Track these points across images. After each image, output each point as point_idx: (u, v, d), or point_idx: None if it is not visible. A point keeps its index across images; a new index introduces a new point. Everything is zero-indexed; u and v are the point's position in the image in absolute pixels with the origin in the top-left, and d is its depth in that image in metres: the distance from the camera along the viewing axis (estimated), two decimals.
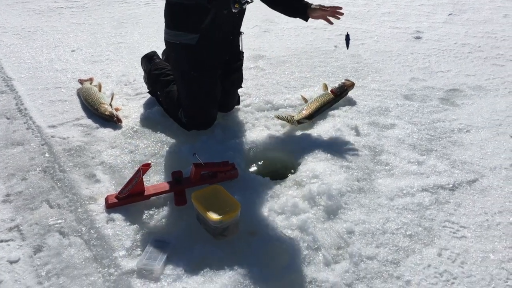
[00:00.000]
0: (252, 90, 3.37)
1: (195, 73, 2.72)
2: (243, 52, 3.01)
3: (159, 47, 3.77)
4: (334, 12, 2.81)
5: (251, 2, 2.50)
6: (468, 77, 3.50)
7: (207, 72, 2.74)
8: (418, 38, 4.18)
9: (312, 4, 2.86)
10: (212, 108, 2.84)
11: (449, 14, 4.65)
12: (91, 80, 3.42)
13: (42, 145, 2.72)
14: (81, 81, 3.41)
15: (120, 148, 2.71)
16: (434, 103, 3.17)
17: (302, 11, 2.86)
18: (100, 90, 3.23)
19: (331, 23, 2.87)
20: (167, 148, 2.71)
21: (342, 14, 2.85)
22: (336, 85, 3.21)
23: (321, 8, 2.82)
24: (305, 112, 2.99)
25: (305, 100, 3.15)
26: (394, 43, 4.09)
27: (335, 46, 4.06)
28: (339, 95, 3.15)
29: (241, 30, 2.91)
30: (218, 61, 2.80)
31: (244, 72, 3.05)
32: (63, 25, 4.47)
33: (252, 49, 4.00)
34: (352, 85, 3.24)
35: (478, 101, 3.19)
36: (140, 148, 2.71)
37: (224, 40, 2.77)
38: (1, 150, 2.68)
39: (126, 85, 3.45)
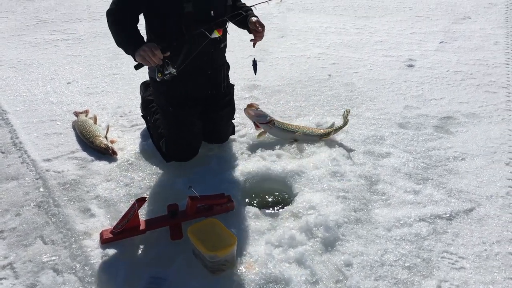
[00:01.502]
0: (246, 120, 3.37)
1: (171, 108, 2.75)
2: (233, 85, 3.02)
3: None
4: (255, 34, 2.77)
5: (175, 74, 2.46)
6: (462, 105, 3.53)
7: (183, 107, 2.75)
8: (410, 66, 4.23)
9: (249, 17, 2.76)
10: (190, 142, 2.84)
11: (441, 42, 4.72)
12: (86, 112, 3.43)
13: (37, 179, 2.71)
14: (76, 114, 3.42)
15: (115, 181, 2.69)
16: (428, 131, 3.18)
17: (245, 26, 2.82)
18: (95, 123, 3.23)
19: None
20: (163, 181, 2.70)
21: (257, 38, 2.78)
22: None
23: (254, 23, 2.74)
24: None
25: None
26: (387, 71, 4.14)
27: (329, 75, 4.10)
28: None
29: (226, 62, 2.94)
30: (196, 96, 2.81)
31: (239, 102, 3.07)
32: (59, 57, 4.50)
33: (247, 79, 4.03)
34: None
35: (472, 128, 3.21)
36: (136, 181, 2.70)
37: (201, 75, 2.77)
38: None
39: (121, 116, 3.45)
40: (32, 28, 5.29)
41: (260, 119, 2.99)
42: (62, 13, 5.77)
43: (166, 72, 2.43)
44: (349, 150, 2.98)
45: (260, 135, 3.03)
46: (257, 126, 3.04)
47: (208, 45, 2.62)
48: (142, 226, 2.25)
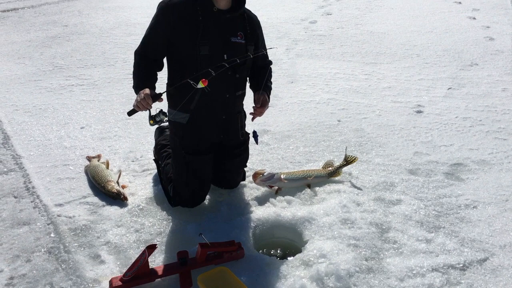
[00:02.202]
0: (258, 165, 3.41)
1: (184, 152, 2.79)
2: (248, 134, 3.06)
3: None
4: (255, 110, 2.83)
5: (166, 122, 2.56)
6: (472, 151, 3.53)
7: (196, 153, 2.79)
8: (419, 112, 4.26)
9: (260, 91, 2.83)
10: (197, 190, 2.86)
11: (449, 88, 4.76)
12: (99, 157, 3.48)
13: (48, 224, 2.73)
14: (89, 158, 3.47)
15: (125, 227, 2.70)
16: (439, 178, 3.18)
17: (254, 91, 2.91)
18: (107, 167, 3.27)
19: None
20: (173, 227, 2.70)
21: (256, 113, 2.85)
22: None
23: (256, 100, 2.82)
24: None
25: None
26: (396, 117, 4.17)
27: (339, 121, 4.14)
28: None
29: (243, 110, 2.99)
30: (209, 142, 2.85)
31: (249, 147, 3.10)
32: (74, 102, 4.60)
33: (257, 124, 4.06)
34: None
35: (483, 175, 3.20)
36: (146, 226, 2.71)
37: (214, 120, 2.81)
38: (7, 230, 2.68)
39: (133, 161, 3.49)
40: (48, 73, 5.43)
41: (271, 181, 3.03)
42: (77, 59, 5.93)
43: (158, 119, 2.53)
44: (360, 197, 2.97)
45: (277, 192, 3.05)
46: (271, 187, 3.07)
47: (222, 90, 2.71)
48: (151, 274, 2.24)
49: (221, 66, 2.53)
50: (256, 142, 2.98)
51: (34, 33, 7.24)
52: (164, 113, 2.53)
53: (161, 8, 2.62)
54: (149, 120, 2.54)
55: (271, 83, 3.01)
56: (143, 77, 2.61)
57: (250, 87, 2.98)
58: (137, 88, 2.54)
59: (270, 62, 3.04)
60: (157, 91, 2.54)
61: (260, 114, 2.84)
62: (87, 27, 7.54)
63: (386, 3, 8.65)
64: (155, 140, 3.42)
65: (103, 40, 6.74)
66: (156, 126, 2.53)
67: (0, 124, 4.11)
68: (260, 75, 2.91)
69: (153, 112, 2.55)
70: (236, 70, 2.70)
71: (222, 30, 2.65)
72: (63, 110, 4.43)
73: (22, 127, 4.06)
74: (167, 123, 2.82)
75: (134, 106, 2.48)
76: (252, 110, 2.83)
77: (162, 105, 2.59)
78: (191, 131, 2.78)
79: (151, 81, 2.61)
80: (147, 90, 2.43)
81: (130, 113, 2.57)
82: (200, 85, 2.39)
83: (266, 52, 2.97)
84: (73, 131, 4.00)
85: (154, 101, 2.42)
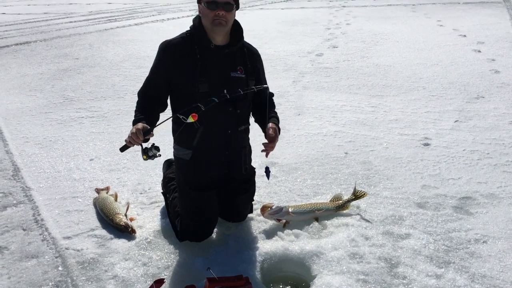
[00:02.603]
0: (265, 198, 3.41)
1: (188, 188, 2.80)
2: (254, 168, 3.07)
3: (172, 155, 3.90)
4: (265, 146, 2.79)
5: (159, 156, 2.54)
6: (480, 185, 3.52)
7: (200, 189, 2.80)
8: (426, 144, 4.27)
9: (269, 124, 2.80)
10: (203, 226, 2.86)
11: (455, 121, 4.78)
12: (107, 189, 3.50)
13: (56, 257, 2.73)
14: (97, 190, 3.49)
15: (133, 261, 2.70)
16: (448, 212, 3.16)
17: (261, 126, 2.90)
18: (116, 200, 3.29)
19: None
20: (181, 261, 2.69)
21: (266, 151, 2.80)
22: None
23: (267, 133, 2.78)
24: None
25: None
26: (403, 150, 4.18)
27: (346, 153, 4.15)
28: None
29: (248, 145, 3.01)
30: (213, 178, 2.86)
31: (256, 179, 3.11)
32: (83, 134, 4.66)
33: (263, 156, 4.09)
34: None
35: (492, 209, 3.18)
36: (154, 260, 2.70)
37: (219, 157, 2.83)
38: (15, 263, 2.68)
39: (141, 193, 3.51)
40: (58, 106, 5.52)
41: (279, 215, 3.03)
42: (88, 92, 6.03)
43: (150, 154, 2.52)
44: (368, 230, 2.96)
45: (285, 225, 3.05)
46: (278, 220, 3.07)
47: (224, 126, 2.74)
48: None
49: (218, 100, 2.52)
50: (268, 178, 2.97)
51: (45, 66, 7.39)
52: (156, 148, 2.52)
53: (162, 48, 2.71)
54: (142, 154, 2.53)
55: (275, 112, 2.98)
56: (140, 112, 2.64)
57: (256, 121, 2.99)
58: (133, 124, 2.57)
59: (272, 94, 3.03)
60: (161, 128, 2.56)
61: (272, 148, 2.79)
62: (97, 60, 7.69)
63: (392, 36, 8.77)
64: (163, 173, 3.44)
65: (113, 73, 6.86)
66: (150, 160, 2.52)
67: (10, 156, 4.16)
68: (263, 108, 2.90)
69: (147, 145, 2.54)
70: (236, 105, 2.73)
71: (221, 65, 2.69)
72: (73, 142, 4.48)
73: (32, 159, 4.11)
74: (174, 158, 2.85)
75: (125, 141, 2.50)
76: (263, 146, 2.79)
77: (163, 141, 2.59)
78: (194, 168, 2.81)
79: (149, 118, 2.61)
80: (139, 125, 2.45)
81: (123, 148, 2.58)
82: (190, 119, 2.42)
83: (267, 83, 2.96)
84: (82, 163, 4.04)
85: (145, 136, 2.43)
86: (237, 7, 2.67)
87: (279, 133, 2.86)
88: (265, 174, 2.92)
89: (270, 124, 2.79)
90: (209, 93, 2.60)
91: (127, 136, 2.48)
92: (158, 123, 2.60)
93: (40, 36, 9.60)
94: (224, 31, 2.66)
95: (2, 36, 9.68)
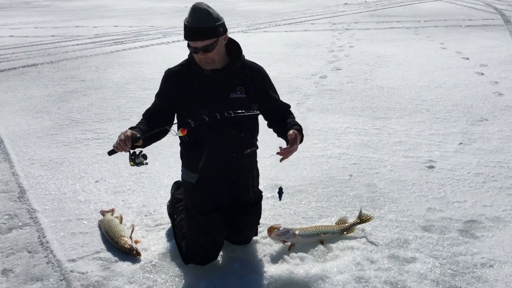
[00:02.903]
0: (270, 220, 3.41)
1: (195, 212, 2.82)
2: (261, 192, 3.07)
3: (179, 177, 3.91)
4: (283, 151, 2.63)
5: (146, 164, 2.57)
6: (485, 208, 3.51)
7: (206, 212, 2.80)
8: (431, 167, 4.27)
9: (290, 130, 2.67)
10: (210, 248, 2.86)
11: (460, 144, 4.79)
12: (112, 211, 3.51)
13: (61, 280, 2.73)
14: (102, 213, 3.50)
15: (138, 284, 2.70)
16: (453, 235, 3.15)
17: (284, 137, 2.78)
18: (121, 222, 3.30)
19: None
20: (186, 284, 2.69)
21: (282, 155, 2.64)
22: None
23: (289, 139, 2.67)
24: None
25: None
26: (408, 172, 4.18)
27: (350, 175, 4.16)
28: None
29: (255, 168, 3.01)
30: (219, 201, 2.86)
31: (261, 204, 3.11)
32: (89, 156, 4.69)
33: (269, 178, 4.11)
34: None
35: (498, 233, 3.17)
36: (158, 283, 2.70)
37: (225, 180, 2.84)
38: (20, 286, 2.69)
39: (146, 216, 3.52)
40: (65, 127, 5.57)
41: (285, 237, 3.03)
42: (93, 113, 6.08)
43: (137, 161, 2.54)
44: (373, 254, 2.95)
45: (290, 248, 3.04)
46: (284, 242, 3.07)
47: (228, 150, 2.75)
48: None
49: (208, 119, 2.56)
50: (280, 199, 2.99)
51: (52, 88, 7.47)
52: (144, 156, 2.54)
53: (164, 77, 2.80)
54: (129, 161, 2.56)
55: (296, 122, 2.86)
56: (137, 124, 2.70)
57: (279, 135, 2.89)
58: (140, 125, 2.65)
59: (289, 106, 3.01)
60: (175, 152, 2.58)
61: (288, 153, 2.62)
62: (103, 82, 7.77)
63: (395, 59, 8.84)
64: (171, 194, 3.46)
65: (119, 95, 6.93)
66: (137, 167, 2.54)
67: (16, 178, 4.19)
68: (283, 120, 2.87)
69: (135, 151, 2.56)
70: (240, 129, 2.73)
71: (220, 88, 2.71)
72: (79, 163, 4.51)
73: (38, 181, 4.13)
74: (182, 181, 2.86)
75: (113, 146, 2.52)
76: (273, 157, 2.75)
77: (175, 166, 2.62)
78: (200, 191, 2.83)
79: (141, 128, 2.63)
80: (128, 132, 2.47)
81: (110, 153, 2.59)
82: (179, 133, 2.50)
83: (278, 97, 2.96)
84: (87, 185, 4.06)
85: (133, 143, 2.45)
86: (223, 33, 2.63)
87: (301, 141, 2.75)
88: (277, 194, 2.94)
89: (291, 131, 2.65)
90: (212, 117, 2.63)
91: (115, 141, 2.49)
92: (147, 134, 2.58)
93: (47, 59, 9.72)
94: (215, 65, 2.67)
95: (9, 58, 9.81)
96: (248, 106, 2.73)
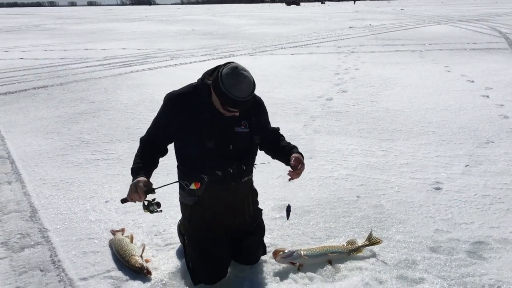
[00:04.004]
0: (278, 240, 3.44)
1: (193, 230, 2.91)
2: (261, 210, 3.14)
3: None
4: (291, 173, 2.82)
5: (160, 212, 2.64)
6: (493, 229, 3.53)
7: (205, 230, 2.87)
8: (438, 189, 4.31)
9: (292, 154, 2.87)
10: (213, 267, 2.88)
11: (466, 166, 4.83)
12: (123, 230, 3.55)
13: None
14: (113, 232, 3.54)
15: None
16: (461, 256, 3.17)
17: (286, 162, 2.92)
18: (131, 241, 3.34)
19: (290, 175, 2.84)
20: None
21: (293, 175, 2.82)
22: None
23: (292, 159, 2.83)
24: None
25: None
26: (415, 194, 4.21)
27: (358, 197, 4.19)
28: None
29: (253, 190, 3.09)
30: (217, 222, 2.92)
31: (269, 222, 3.17)
32: (99, 176, 4.75)
33: (277, 199, 4.15)
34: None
35: (505, 255, 3.19)
36: None
37: (223, 205, 2.90)
38: None
39: (156, 235, 3.56)
40: (75, 148, 5.66)
41: (291, 258, 3.07)
42: (103, 134, 6.18)
43: (151, 209, 2.61)
44: (382, 274, 2.97)
45: (299, 268, 3.07)
46: (293, 264, 3.10)
47: (229, 177, 2.78)
48: None
49: (221, 175, 2.68)
50: (287, 217, 3.03)
51: (62, 109, 7.60)
52: (157, 204, 2.60)
53: (167, 99, 2.77)
54: (144, 209, 2.63)
55: (292, 145, 3.02)
56: (140, 159, 2.75)
57: (275, 158, 3.05)
58: (134, 173, 2.65)
59: (278, 128, 3.13)
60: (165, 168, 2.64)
61: (298, 175, 2.79)
62: (112, 103, 7.90)
63: (400, 82, 8.93)
64: (182, 213, 3.49)
65: (128, 116, 7.04)
66: (150, 213, 2.64)
67: (28, 198, 4.25)
68: (279, 143, 3.01)
69: (149, 200, 2.61)
70: (242, 161, 2.80)
71: (226, 122, 2.74)
72: (89, 184, 4.58)
73: (49, 201, 4.19)
74: (180, 203, 2.94)
75: (127, 196, 2.59)
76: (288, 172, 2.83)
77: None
78: (197, 212, 2.90)
79: (149, 169, 2.72)
80: (141, 183, 2.52)
81: (123, 201, 2.66)
82: (193, 186, 2.59)
83: (270, 125, 3.07)
84: (98, 205, 4.11)
85: (146, 195, 2.53)
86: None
87: (303, 158, 2.87)
88: (285, 212, 2.99)
89: (294, 154, 2.82)
90: (215, 149, 2.70)
91: (128, 188, 2.55)
92: (161, 185, 2.65)
93: (57, 80, 9.89)
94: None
95: (20, 80, 9.99)
96: (250, 140, 2.83)
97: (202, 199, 2.84)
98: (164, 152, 2.87)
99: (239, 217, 2.99)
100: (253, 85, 2.55)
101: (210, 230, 2.88)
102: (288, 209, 3.00)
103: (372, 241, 3.28)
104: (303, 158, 2.89)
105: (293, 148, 2.96)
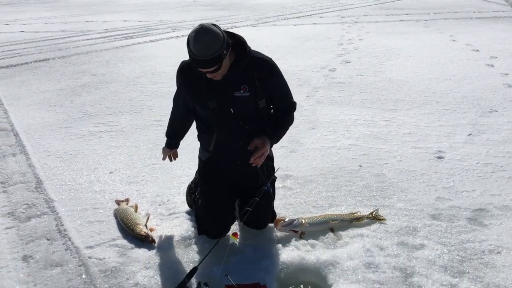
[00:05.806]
0: (281, 209, 3.48)
1: (201, 181, 3.10)
2: (274, 178, 3.13)
3: (191, 168, 4.00)
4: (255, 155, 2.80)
5: None
6: (494, 197, 3.55)
7: (213, 186, 3.03)
8: (440, 158, 4.31)
9: (271, 136, 2.90)
10: (216, 218, 3.00)
11: (469, 135, 4.82)
12: (127, 200, 3.60)
13: (80, 266, 2.82)
14: (118, 202, 3.59)
15: (154, 269, 2.79)
16: (462, 223, 3.20)
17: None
18: (136, 211, 3.39)
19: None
20: (199, 269, 2.76)
21: (256, 160, 2.80)
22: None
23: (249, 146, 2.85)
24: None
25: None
26: (417, 163, 4.22)
27: (360, 166, 4.21)
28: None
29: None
30: (226, 178, 3.06)
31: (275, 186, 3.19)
32: (103, 148, 4.78)
33: (280, 169, 4.17)
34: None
35: (506, 221, 3.22)
36: (173, 269, 2.78)
37: (232, 165, 3.02)
38: (40, 272, 2.78)
39: (160, 205, 3.60)
40: (78, 120, 5.67)
41: (292, 226, 3.10)
42: (106, 107, 6.18)
43: None
44: (383, 241, 3.01)
45: (301, 236, 3.11)
46: (295, 232, 3.13)
47: (234, 139, 2.88)
48: None
49: (222, 132, 2.87)
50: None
51: (64, 82, 7.58)
52: (206, 284, 2.53)
53: (178, 70, 2.94)
54: None
55: (280, 128, 2.99)
56: (171, 134, 3.28)
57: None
58: (169, 137, 3.28)
59: (294, 104, 3.07)
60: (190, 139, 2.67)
61: (256, 160, 2.79)
62: (114, 76, 7.86)
63: (404, 52, 8.84)
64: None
65: (130, 88, 7.02)
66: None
67: (33, 169, 4.29)
68: (275, 118, 2.99)
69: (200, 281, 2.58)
70: (245, 121, 2.84)
71: (225, 86, 2.75)
72: (93, 155, 4.61)
73: (54, 172, 4.23)
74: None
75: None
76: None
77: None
78: (209, 166, 3.08)
79: (176, 135, 3.27)
80: (166, 148, 3.34)
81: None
82: (232, 239, 2.78)
83: (289, 93, 3.03)
84: (102, 175, 4.15)
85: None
86: (227, 52, 2.58)
87: (270, 147, 2.88)
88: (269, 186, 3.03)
89: (255, 139, 2.81)
90: (218, 108, 2.78)
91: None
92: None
93: (58, 53, 9.83)
94: (220, 76, 2.70)
95: (21, 53, 9.94)
96: (253, 103, 2.82)
97: (214, 155, 2.99)
98: (190, 119, 3.14)
99: (250, 182, 3.04)
100: (216, 44, 2.49)
101: (217, 186, 3.02)
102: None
103: (375, 215, 3.29)
104: (269, 145, 2.85)
105: (266, 130, 2.90)
